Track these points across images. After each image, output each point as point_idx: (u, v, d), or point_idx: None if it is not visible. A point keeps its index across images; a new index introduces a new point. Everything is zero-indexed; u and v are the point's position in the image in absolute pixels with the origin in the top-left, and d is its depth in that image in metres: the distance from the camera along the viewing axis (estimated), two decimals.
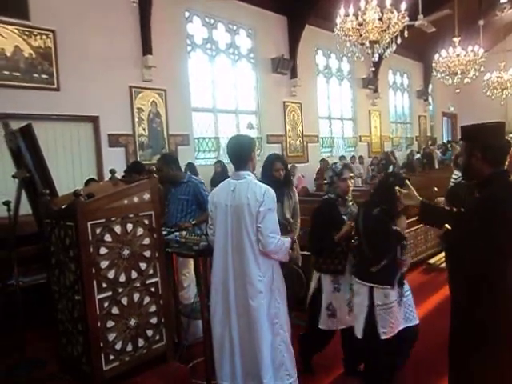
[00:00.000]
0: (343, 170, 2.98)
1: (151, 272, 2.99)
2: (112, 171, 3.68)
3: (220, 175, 7.20)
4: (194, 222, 3.57)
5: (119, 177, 4.31)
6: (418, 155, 13.26)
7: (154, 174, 3.13)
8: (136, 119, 7.07)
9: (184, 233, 3.17)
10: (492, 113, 13.81)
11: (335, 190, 3.00)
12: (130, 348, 2.87)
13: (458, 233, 2.03)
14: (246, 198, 2.44)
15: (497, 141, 1.97)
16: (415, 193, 2.24)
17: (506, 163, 1.98)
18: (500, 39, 13.42)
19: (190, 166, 7.06)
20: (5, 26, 5.51)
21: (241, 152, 2.58)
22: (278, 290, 2.54)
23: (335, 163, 3.29)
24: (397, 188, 2.30)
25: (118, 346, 2.82)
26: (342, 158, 10.38)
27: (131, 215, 2.89)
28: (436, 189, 3.88)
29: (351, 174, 3.01)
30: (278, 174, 3.39)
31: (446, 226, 2.12)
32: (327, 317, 2.95)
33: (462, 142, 2.16)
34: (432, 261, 5.92)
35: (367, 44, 5.41)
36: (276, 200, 2.55)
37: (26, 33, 5.70)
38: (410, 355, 2.87)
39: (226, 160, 8.23)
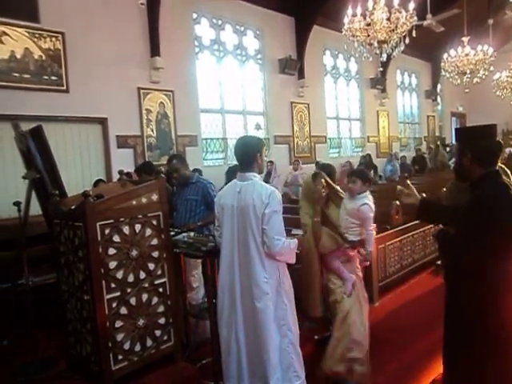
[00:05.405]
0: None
1: (159, 272, 3.00)
2: (120, 172, 3.70)
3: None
4: (200, 223, 3.56)
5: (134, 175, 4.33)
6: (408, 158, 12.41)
7: (162, 175, 3.15)
8: (144, 120, 7.10)
9: (192, 233, 3.17)
10: (501, 112, 13.69)
11: None
12: (138, 348, 2.89)
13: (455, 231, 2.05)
14: (252, 199, 2.43)
15: (486, 142, 2.01)
16: (415, 191, 2.31)
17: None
18: (510, 38, 13.30)
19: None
20: (15, 28, 5.57)
21: (247, 153, 2.57)
22: (285, 292, 2.52)
23: None
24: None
25: (127, 346, 2.83)
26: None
27: (140, 216, 2.91)
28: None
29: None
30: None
31: (440, 225, 2.16)
32: None
33: (456, 143, 2.24)
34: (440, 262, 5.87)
35: (375, 44, 5.38)
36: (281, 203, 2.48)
37: (36, 35, 5.76)
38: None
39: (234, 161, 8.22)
